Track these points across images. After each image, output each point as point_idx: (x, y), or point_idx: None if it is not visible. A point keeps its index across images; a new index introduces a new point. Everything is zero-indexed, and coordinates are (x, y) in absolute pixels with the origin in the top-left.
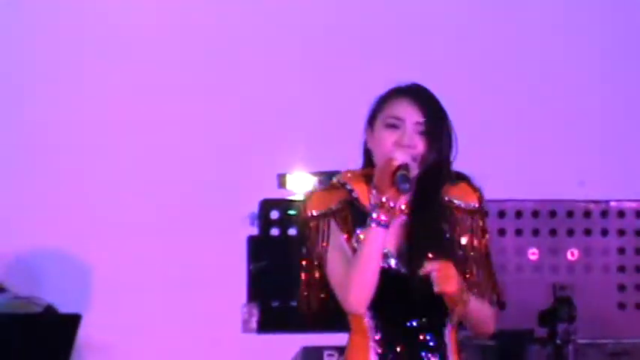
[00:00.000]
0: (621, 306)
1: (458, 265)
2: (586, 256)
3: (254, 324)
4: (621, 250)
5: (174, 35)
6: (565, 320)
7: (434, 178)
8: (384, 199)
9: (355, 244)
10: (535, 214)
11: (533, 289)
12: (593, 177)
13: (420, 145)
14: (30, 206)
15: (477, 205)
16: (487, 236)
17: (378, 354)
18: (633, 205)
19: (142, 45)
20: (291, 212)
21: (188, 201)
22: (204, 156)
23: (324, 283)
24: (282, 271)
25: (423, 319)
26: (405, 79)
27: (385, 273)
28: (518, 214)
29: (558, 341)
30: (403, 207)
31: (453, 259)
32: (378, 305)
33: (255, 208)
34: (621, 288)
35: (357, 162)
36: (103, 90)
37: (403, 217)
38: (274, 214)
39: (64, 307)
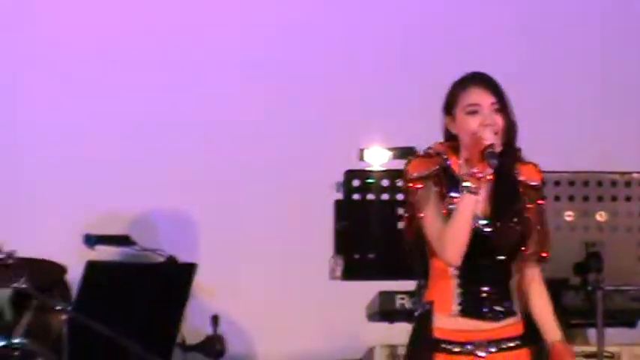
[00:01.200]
0: None
1: (524, 226)
2: (613, 218)
3: (339, 272)
4: None
5: (271, 21)
6: (594, 271)
7: (509, 153)
8: (475, 170)
9: (449, 206)
10: (571, 183)
11: (569, 245)
12: (619, 153)
13: (499, 121)
14: (151, 171)
15: (539, 184)
16: (543, 204)
17: (459, 294)
18: None
19: (245, 31)
20: (370, 181)
21: (288, 171)
22: (303, 135)
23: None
24: (362, 229)
25: (497, 269)
26: (466, 64)
27: (474, 231)
28: (557, 183)
29: (589, 288)
30: (489, 177)
31: (523, 220)
32: (464, 258)
33: (340, 178)
34: None
35: (425, 138)
36: (206, 72)
37: (488, 185)
38: (356, 182)
39: (181, 258)
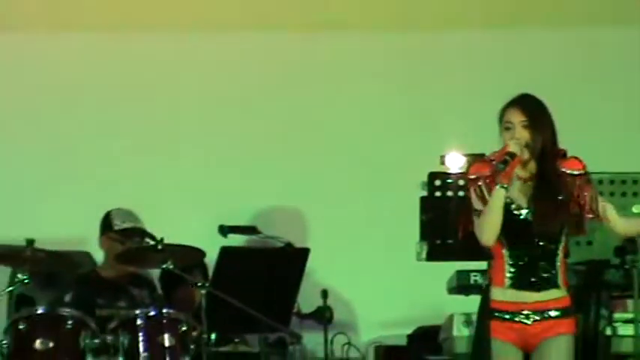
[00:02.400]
0: None
1: (565, 215)
2: None
3: (424, 255)
4: None
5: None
6: (631, 253)
7: (546, 156)
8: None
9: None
10: (611, 182)
11: (610, 232)
12: None
13: (525, 135)
14: (274, 173)
15: (582, 172)
16: (592, 183)
17: (510, 272)
18: None
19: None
20: (448, 181)
21: (385, 174)
22: (397, 143)
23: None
24: (442, 220)
25: (541, 251)
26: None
27: (518, 219)
28: (600, 182)
29: (627, 267)
30: (529, 173)
31: (564, 212)
32: (512, 241)
33: (425, 178)
34: None
35: (494, 147)
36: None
37: (532, 183)
38: (437, 182)
39: (296, 244)
